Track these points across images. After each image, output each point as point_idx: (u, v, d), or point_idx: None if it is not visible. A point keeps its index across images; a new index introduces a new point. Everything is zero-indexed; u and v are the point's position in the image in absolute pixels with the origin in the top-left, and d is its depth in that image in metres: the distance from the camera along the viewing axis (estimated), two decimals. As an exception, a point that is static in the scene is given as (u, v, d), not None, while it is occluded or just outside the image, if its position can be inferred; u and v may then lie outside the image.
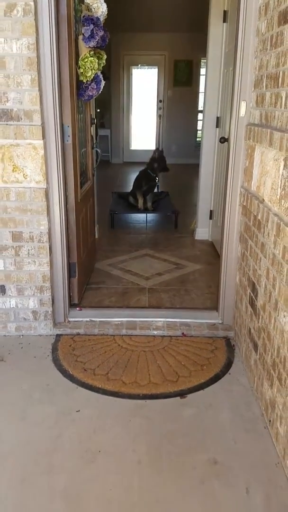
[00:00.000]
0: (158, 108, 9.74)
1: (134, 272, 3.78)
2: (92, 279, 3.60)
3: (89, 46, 2.77)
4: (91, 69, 2.82)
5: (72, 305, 3.01)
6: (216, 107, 4.21)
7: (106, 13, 2.88)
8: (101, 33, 2.78)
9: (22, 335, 2.81)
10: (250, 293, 2.40)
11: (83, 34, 2.74)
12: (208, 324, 2.89)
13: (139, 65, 9.63)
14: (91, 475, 1.80)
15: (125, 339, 2.76)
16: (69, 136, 2.70)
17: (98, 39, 2.76)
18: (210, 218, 4.54)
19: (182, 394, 2.27)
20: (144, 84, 9.71)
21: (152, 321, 2.91)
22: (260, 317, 2.18)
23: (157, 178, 5.19)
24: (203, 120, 4.41)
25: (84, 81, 2.86)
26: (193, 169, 5.67)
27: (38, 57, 2.37)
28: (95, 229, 4.22)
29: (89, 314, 2.97)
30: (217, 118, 4.20)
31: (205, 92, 4.31)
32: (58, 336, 2.80)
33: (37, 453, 1.91)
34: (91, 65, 2.80)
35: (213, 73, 4.16)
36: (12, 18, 2.29)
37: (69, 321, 2.90)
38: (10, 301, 2.76)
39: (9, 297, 2.75)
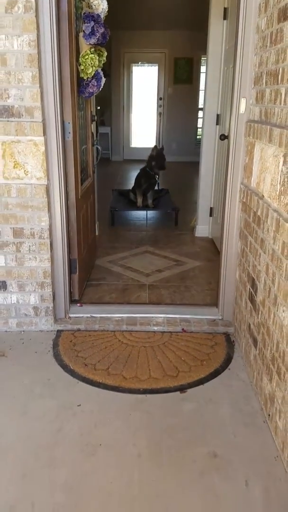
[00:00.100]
0: (158, 106, 9.74)
1: (134, 269, 3.80)
2: (92, 275, 3.62)
3: (89, 43, 2.78)
4: (92, 66, 2.82)
5: (72, 301, 3.03)
6: (216, 104, 4.22)
7: (106, 10, 2.88)
8: (101, 30, 2.79)
9: (23, 331, 2.83)
10: (249, 289, 2.42)
11: (83, 31, 2.75)
12: (208, 320, 2.90)
13: (140, 62, 9.63)
14: (92, 469, 1.82)
15: (125, 334, 2.78)
16: (69, 132, 2.71)
17: (98, 36, 2.77)
18: (210, 215, 4.55)
19: (182, 389, 2.29)
20: (145, 82, 9.72)
21: (152, 317, 2.93)
22: (260, 312, 2.19)
23: (156, 176, 5.19)
24: (203, 117, 4.42)
25: (85, 78, 2.87)
26: (193, 166, 5.68)
27: (39, 53, 2.38)
28: (96, 226, 4.23)
29: (89, 310, 2.99)
30: (217, 115, 4.21)
31: (205, 90, 4.32)
32: (59, 331, 2.82)
33: (38, 447, 1.93)
34: (92, 62, 2.81)
35: (213, 71, 4.17)
36: (13, 14, 2.30)
37: (69, 317, 2.92)
38: (11, 297, 2.77)
39: (10, 293, 2.77)
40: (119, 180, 7.68)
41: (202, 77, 8.58)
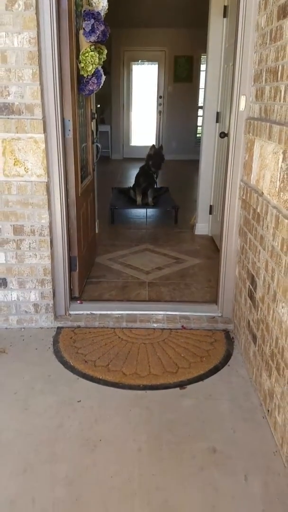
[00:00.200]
0: (158, 104, 9.75)
1: (134, 267, 3.81)
2: (92, 273, 3.63)
3: (89, 41, 2.78)
4: (92, 64, 2.83)
5: (72, 298, 3.04)
6: (216, 102, 4.22)
7: (106, 7, 2.89)
8: (101, 27, 2.80)
9: (24, 328, 2.84)
10: (249, 285, 2.43)
11: (83, 28, 2.75)
12: (207, 317, 2.92)
13: (139, 60, 9.63)
14: (92, 464, 1.83)
15: (125, 331, 2.79)
16: (70, 130, 2.71)
17: (98, 34, 2.78)
18: (210, 213, 4.56)
19: (181, 385, 2.30)
20: (144, 80, 9.72)
21: (152, 314, 2.94)
22: (259, 309, 2.20)
23: (155, 174, 5.19)
24: (203, 115, 4.42)
25: (85, 75, 2.87)
26: (193, 165, 5.69)
27: (39, 51, 2.38)
28: (96, 224, 4.24)
29: (89, 307, 3.00)
30: (217, 113, 4.22)
31: (205, 88, 4.33)
32: (59, 328, 2.83)
33: (39, 442, 1.94)
34: (92, 59, 2.81)
35: (213, 69, 4.17)
36: (13, 12, 2.31)
37: (70, 314, 2.93)
38: (11, 294, 2.78)
39: (11, 290, 2.77)
40: (119, 179, 7.68)
41: (202, 75, 8.57)
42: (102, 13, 2.86)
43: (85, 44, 2.79)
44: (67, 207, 2.79)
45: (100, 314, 2.94)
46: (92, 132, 3.56)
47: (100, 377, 2.35)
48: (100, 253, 4.06)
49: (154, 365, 2.45)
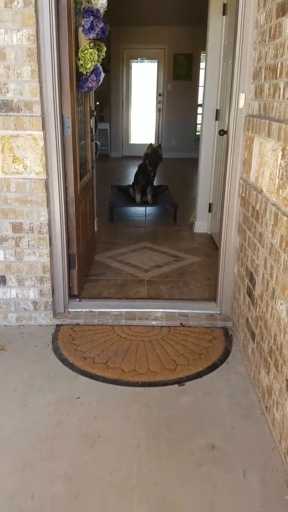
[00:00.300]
0: (158, 102, 9.74)
1: (133, 264, 3.81)
2: (91, 271, 3.63)
3: (89, 38, 2.78)
4: (91, 61, 2.83)
5: (71, 296, 3.04)
6: (215, 100, 4.22)
7: (105, 5, 2.88)
8: (101, 25, 2.79)
9: (23, 325, 2.84)
10: (248, 283, 2.43)
11: (83, 25, 2.75)
12: (206, 314, 2.92)
13: (139, 58, 9.61)
14: (91, 460, 1.83)
15: (124, 329, 2.80)
16: (68, 127, 2.71)
17: (98, 31, 2.77)
18: (209, 211, 4.56)
19: (180, 382, 2.31)
20: (144, 78, 9.70)
21: (151, 311, 2.94)
22: (258, 306, 2.21)
23: (151, 173, 5.17)
24: (202, 113, 4.42)
25: (84, 72, 2.87)
26: (193, 163, 5.70)
27: (38, 48, 2.38)
28: (95, 222, 4.24)
29: (88, 305, 3.00)
30: (217, 111, 4.22)
31: (204, 85, 4.32)
32: (58, 326, 2.83)
33: (38, 439, 1.95)
34: (91, 56, 2.81)
35: (212, 66, 4.17)
36: (12, 9, 2.30)
37: (69, 311, 2.93)
38: (10, 292, 2.79)
39: (10, 287, 2.78)
40: (118, 177, 7.68)
41: (202, 73, 8.57)
42: (101, 11, 2.86)
43: (84, 41, 2.79)
44: (66, 205, 2.79)
45: (99, 311, 2.94)
46: (91, 129, 3.56)
47: (99, 374, 2.35)
48: (99, 251, 4.06)
49: (152, 362, 2.45)
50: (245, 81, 2.51)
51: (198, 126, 9.00)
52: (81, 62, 2.81)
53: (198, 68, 9.28)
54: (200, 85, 9.02)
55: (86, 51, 2.78)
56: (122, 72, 9.56)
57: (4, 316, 2.83)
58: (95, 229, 4.30)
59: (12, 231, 2.67)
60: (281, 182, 1.86)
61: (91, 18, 2.72)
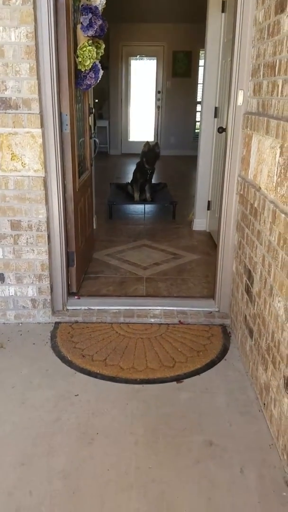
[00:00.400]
0: (157, 99, 9.72)
1: (132, 262, 3.81)
2: (90, 268, 3.63)
3: (87, 35, 2.78)
4: (89, 58, 2.83)
5: (70, 293, 3.04)
6: (214, 97, 4.22)
7: (104, 2, 2.88)
8: (99, 22, 2.79)
9: (21, 323, 2.84)
10: (246, 280, 2.44)
11: (81, 23, 2.74)
12: (204, 312, 2.93)
13: (138, 56, 9.59)
14: (89, 457, 1.84)
15: (122, 326, 2.80)
16: (67, 125, 2.71)
17: (96, 28, 2.77)
18: (208, 208, 4.57)
19: (178, 379, 2.31)
20: (143, 75, 9.68)
21: (150, 309, 2.95)
22: (256, 303, 2.21)
23: (149, 171, 5.17)
24: (201, 110, 4.42)
25: (83, 70, 2.87)
26: (192, 160, 5.69)
27: (36, 45, 2.38)
28: (94, 219, 4.24)
29: (87, 303, 3.01)
30: (215, 108, 4.22)
31: (203, 83, 4.32)
32: (57, 323, 2.84)
33: (36, 436, 1.95)
34: (90, 54, 2.81)
35: (211, 64, 4.16)
36: (10, 6, 2.30)
37: (67, 309, 2.93)
38: (9, 289, 2.79)
39: (8, 285, 2.78)
40: (117, 174, 7.67)
41: (201, 70, 8.55)
42: (100, 8, 2.85)
43: (82, 38, 2.78)
44: (64, 202, 2.79)
45: (98, 309, 2.95)
46: (90, 127, 3.56)
47: (98, 371, 2.36)
48: (98, 248, 4.07)
49: (151, 360, 2.46)
50: (244, 79, 2.51)
51: (197, 123, 8.99)
52: (80, 59, 2.81)
53: (197, 65, 9.26)
54: (199, 82, 9.00)
55: (84, 49, 2.78)
56: (121, 70, 9.54)
57: (2, 314, 2.84)
58: (94, 227, 4.30)
59: (10, 229, 2.67)
60: (279, 179, 1.87)
61: (90, 15, 2.72)
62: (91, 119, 3.63)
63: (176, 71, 9.42)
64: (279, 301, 1.86)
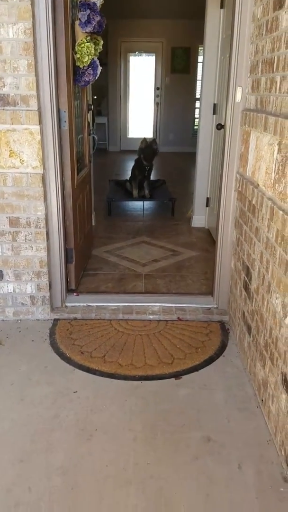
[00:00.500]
0: (156, 96, 9.69)
1: (130, 259, 3.81)
2: (89, 265, 3.63)
3: (85, 32, 2.77)
4: (88, 55, 2.82)
5: (69, 290, 3.05)
6: (213, 94, 4.21)
7: (102, -2, 2.87)
8: (97, 18, 2.78)
9: (20, 320, 2.85)
10: (244, 277, 2.44)
11: (79, 19, 2.73)
12: (203, 308, 2.93)
13: (137, 52, 9.56)
14: (88, 453, 1.85)
15: (121, 323, 2.81)
16: (65, 121, 2.70)
17: (94, 24, 2.76)
18: (207, 205, 4.57)
19: (177, 375, 2.32)
20: (142, 71, 9.65)
21: (148, 306, 2.95)
22: (254, 300, 2.22)
23: (147, 167, 5.16)
24: (200, 107, 4.41)
25: (81, 66, 2.86)
26: (190, 157, 5.68)
27: (34, 42, 2.37)
28: (92, 216, 4.24)
29: (86, 299, 3.01)
30: (214, 105, 4.21)
31: (202, 79, 4.31)
32: (56, 320, 2.84)
33: (35, 432, 1.96)
34: (88, 50, 2.80)
35: (210, 60, 4.15)
36: (8, 2, 2.29)
37: (66, 306, 2.94)
38: (7, 286, 2.79)
39: (7, 282, 2.78)
40: (116, 171, 7.66)
41: (200, 66, 8.52)
42: (98, 4, 2.84)
43: (81, 34, 2.77)
44: (63, 199, 2.78)
45: (97, 306, 2.95)
46: (89, 123, 3.55)
47: (96, 368, 2.36)
48: (96, 245, 4.07)
49: (149, 356, 2.46)
50: (242, 75, 2.50)
51: (196, 120, 8.96)
52: (78, 56, 2.80)
53: (196, 62, 9.23)
54: (198, 78, 8.98)
55: (82, 45, 2.77)
56: (120, 66, 9.51)
57: (1, 311, 2.84)
58: (93, 224, 4.30)
59: (9, 226, 2.67)
60: (277, 176, 1.87)
61: (88, 11, 2.71)
62: (89, 115, 3.63)
63: (175, 68, 9.39)
64: (277, 298, 1.86)
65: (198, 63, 9.10)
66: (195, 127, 9.20)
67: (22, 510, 1.61)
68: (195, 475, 1.75)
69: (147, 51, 9.51)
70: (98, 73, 3.02)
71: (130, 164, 5.56)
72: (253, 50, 2.35)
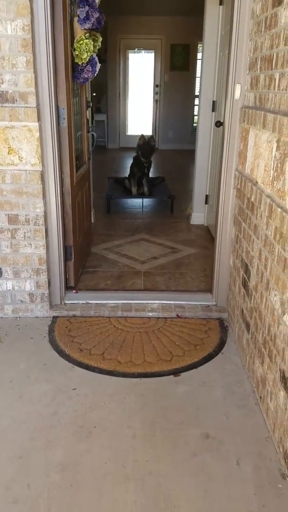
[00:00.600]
0: (155, 93, 9.67)
1: (130, 256, 3.81)
2: (88, 262, 3.63)
3: (84, 28, 2.76)
4: (87, 51, 2.81)
5: (68, 287, 3.05)
6: (212, 91, 4.20)
7: (101, -6, 2.86)
8: (96, 15, 2.77)
9: (19, 317, 2.85)
10: (243, 274, 2.44)
11: (78, 15, 2.73)
12: (202, 306, 2.93)
13: (136, 49, 9.53)
14: (87, 450, 1.85)
15: (120, 320, 2.81)
16: (64, 118, 2.70)
17: (93, 21, 2.75)
18: (206, 203, 4.56)
19: (176, 372, 2.33)
20: (141, 68, 9.63)
21: (147, 303, 2.95)
22: (252, 297, 2.22)
23: (145, 164, 5.15)
24: (199, 104, 4.40)
25: (80, 63, 2.85)
26: (190, 154, 5.67)
27: (33, 38, 2.36)
28: (91, 213, 4.23)
29: (85, 297, 3.01)
30: (213, 102, 4.20)
31: (201, 76, 4.30)
32: (55, 318, 2.84)
33: (34, 429, 1.96)
34: (87, 47, 2.79)
35: (209, 57, 4.14)
36: (6, -2, 2.28)
37: (65, 303, 2.94)
38: (6, 284, 2.79)
39: (6, 279, 2.78)
40: (115, 168, 7.65)
41: (199, 63, 8.50)
42: (97, 0, 2.83)
43: (79, 31, 2.76)
44: (62, 196, 2.78)
45: (96, 303, 2.95)
46: (87, 120, 3.55)
47: (95, 365, 2.37)
48: (96, 242, 4.07)
49: (148, 353, 2.47)
50: (241, 72, 2.50)
51: (195, 117, 8.95)
52: (77, 52, 2.79)
53: (195, 59, 9.20)
54: (197, 75, 8.95)
55: (81, 42, 2.76)
56: (119, 63, 9.48)
57: (0, 308, 2.84)
58: (92, 221, 4.30)
59: (8, 223, 2.67)
60: (275, 173, 1.87)
61: (87, 8, 2.70)
62: (88, 112, 3.62)
63: (174, 65, 9.36)
64: (275, 295, 1.86)
65: (197, 60, 9.08)
66: (194, 124, 9.18)
67: (21, 506, 1.61)
68: (193, 471, 1.75)
69: (146, 48, 9.48)
70: (97, 70, 3.01)
71: (129, 161, 5.55)
72: (252, 47, 2.35)
